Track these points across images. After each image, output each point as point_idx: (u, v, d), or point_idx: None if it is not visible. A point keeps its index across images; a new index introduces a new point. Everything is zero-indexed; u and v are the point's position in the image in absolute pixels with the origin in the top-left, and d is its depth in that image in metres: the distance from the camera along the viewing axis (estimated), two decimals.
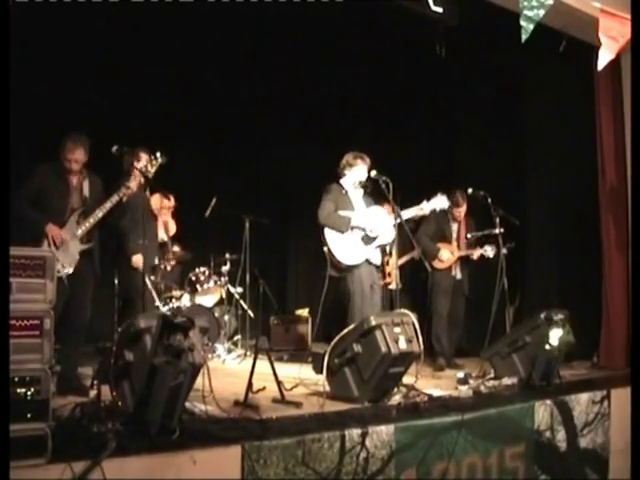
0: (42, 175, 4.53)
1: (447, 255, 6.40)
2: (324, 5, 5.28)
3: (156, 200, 6.07)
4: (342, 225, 5.34)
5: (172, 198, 6.75)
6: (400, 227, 5.27)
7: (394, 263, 5.99)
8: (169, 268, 6.51)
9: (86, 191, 4.63)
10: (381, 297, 5.70)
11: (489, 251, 6.33)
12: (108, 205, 4.54)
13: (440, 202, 5.64)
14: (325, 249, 5.34)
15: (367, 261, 5.38)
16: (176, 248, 6.82)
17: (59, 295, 4.00)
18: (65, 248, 4.42)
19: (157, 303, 5.83)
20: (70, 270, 4.43)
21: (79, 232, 4.51)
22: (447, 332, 6.36)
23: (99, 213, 4.53)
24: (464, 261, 6.50)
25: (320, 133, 8.06)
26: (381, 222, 5.41)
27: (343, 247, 5.34)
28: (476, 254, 6.42)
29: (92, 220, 4.53)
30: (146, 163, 4.81)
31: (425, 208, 5.61)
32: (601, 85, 6.53)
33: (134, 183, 4.65)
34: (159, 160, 4.79)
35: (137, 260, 5.38)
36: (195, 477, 3.11)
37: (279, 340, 7.53)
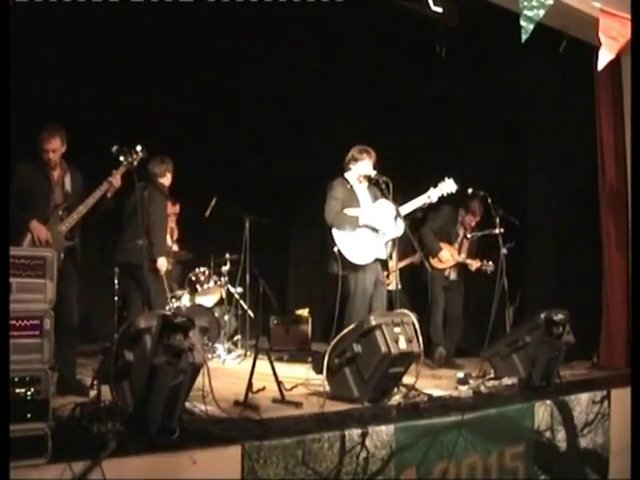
0: (23, 172, 4.44)
1: (447, 257, 6.39)
2: (324, 5, 5.28)
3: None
4: (350, 225, 5.33)
5: (177, 205, 6.77)
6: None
7: (394, 265, 5.99)
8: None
9: (68, 186, 4.56)
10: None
11: (488, 267, 6.34)
12: (91, 201, 4.49)
13: (447, 186, 5.59)
14: (335, 249, 5.31)
15: (375, 259, 5.37)
16: (175, 248, 6.84)
17: None
18: (48, 245, 4.29)
19: (175, 303, 5.83)
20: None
21: (63, 228, 4.44)
22: (446, 329, 6.38)
23: (82, 210, 4.47)
24: (461, 266, 6.50)
25: (320, 133, 8.06)
26: (388, 216, 5.38)
27: (352, 246, 5.30)
28: (475, 265, 6.42)
29: (76, 216, 4.46)
30: (128, 157, 4.68)
31: (432, 195, 5.56)
32: (601, 85, 6.54)
33: (117, 178, 4.59)
34: (140, 154, 4.71)
35: (162, 263, 5.38)
36: (195, 477, 3.11)
37: (279, 340, 7.54)
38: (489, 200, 6.03)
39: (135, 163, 4.69)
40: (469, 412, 4.21)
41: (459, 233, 6.56)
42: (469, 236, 6.48)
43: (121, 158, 4.63)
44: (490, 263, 6.33)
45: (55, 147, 4.48)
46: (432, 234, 6.42)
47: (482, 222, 6.50)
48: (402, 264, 6.61)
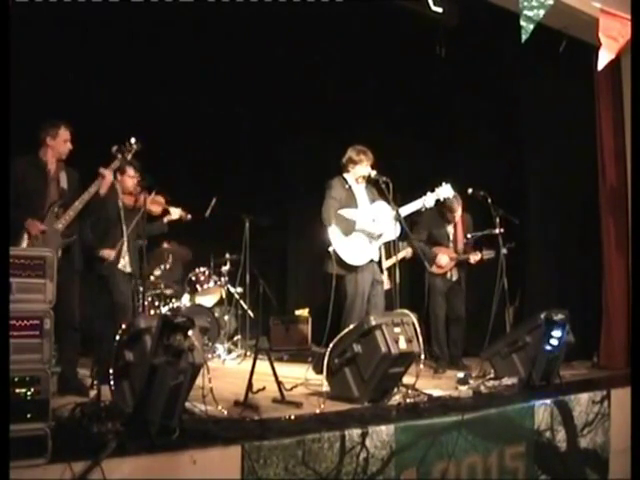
0: (19, 168, 4.34)
1: (446, 260, 6.28)
2: (324, 5, 5.28)
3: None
4: (347, 228, 5.33)
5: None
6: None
7: (390, 264, 5.97)
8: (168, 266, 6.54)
9: (63, 183, 4.51)
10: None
11: (488, 255, 6.24)
12: (86, 196, 4.45)
13: (444, 191, 5.60)
14: (331, 249, 5.30)
15: (370, 260, 5.37)
16: (165, 244, 6.79)
17: None
18: (45, 243, 4.24)
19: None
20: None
21: (59, 226, 4.39)
22: (449, 332, 6.29)
23: (79, 205, 4.42)
24: (461, 263, 6.42)
25: (320, 133, 8.05)
26: (385, 218, 5.38)
27: (348, 247, 5.31)
28: (474, 258, 6.30)
29: (72, 212, 4.41)
30: (122, 150, 4.67)
31: (429, 199, 5.57)
32: (601, 85, 6.54)
33: (109, 172, 4.57)
34: (134, 147, 4.69)
35: (108, 254, 5.19)
36: (195, 477, 3.11)
37: (279, 340, 7.54)
38: (489, 200, 6.02)
39: (129, 156, 4.67)
40: (469, 412, 4.20)
41: (449, 232, 6.42)
42: (469, 236, 6.43)
43: (114, 150, 4.62)
44: (490, 251, 6.22)
45: (69, 138, 4.47)
46: (422, 244, 6.26)
47: (466, 210, 6.38)
48: (394, 260, 6.53)
